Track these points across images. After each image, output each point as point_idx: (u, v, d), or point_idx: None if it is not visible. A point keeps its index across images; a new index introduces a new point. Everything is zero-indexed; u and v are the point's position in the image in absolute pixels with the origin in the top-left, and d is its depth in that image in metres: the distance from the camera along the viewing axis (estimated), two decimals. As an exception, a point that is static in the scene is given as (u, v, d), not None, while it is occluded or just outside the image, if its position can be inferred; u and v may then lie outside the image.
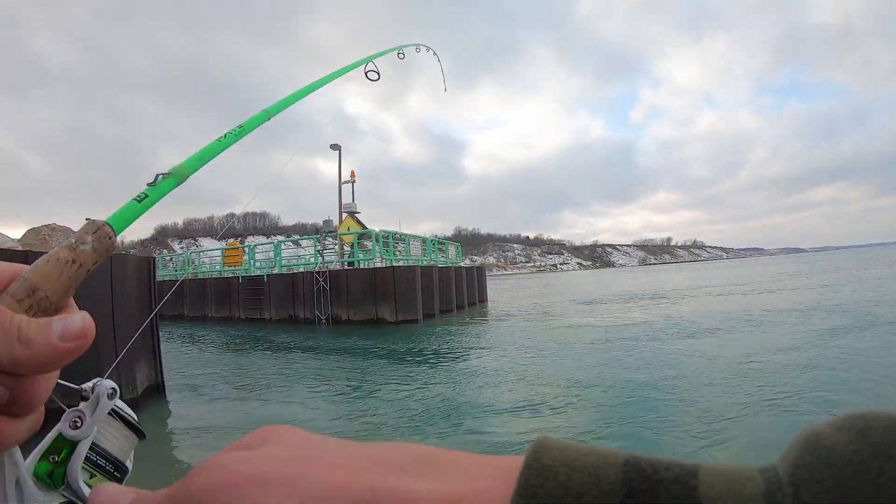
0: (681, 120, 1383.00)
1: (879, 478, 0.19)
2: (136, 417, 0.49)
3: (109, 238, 0.42)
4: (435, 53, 2.20)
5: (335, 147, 28.74)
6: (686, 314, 16.48)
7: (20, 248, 8.22)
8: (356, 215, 24.98)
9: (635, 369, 8.50)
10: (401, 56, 1.84)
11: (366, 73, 1.57)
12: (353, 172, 27.59)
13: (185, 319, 23.57)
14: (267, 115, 0.86)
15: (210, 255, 28.99)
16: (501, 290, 44.85)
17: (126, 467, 0.46)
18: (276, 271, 22.07)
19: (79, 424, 0.40)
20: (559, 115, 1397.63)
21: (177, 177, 0.61)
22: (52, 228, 10.13)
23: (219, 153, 0.70)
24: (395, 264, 19.03)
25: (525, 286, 57.08)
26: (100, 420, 0.42)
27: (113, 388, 0.42)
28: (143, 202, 0.56)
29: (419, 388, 8.00)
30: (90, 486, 0.41)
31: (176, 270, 30.15)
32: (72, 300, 0.38)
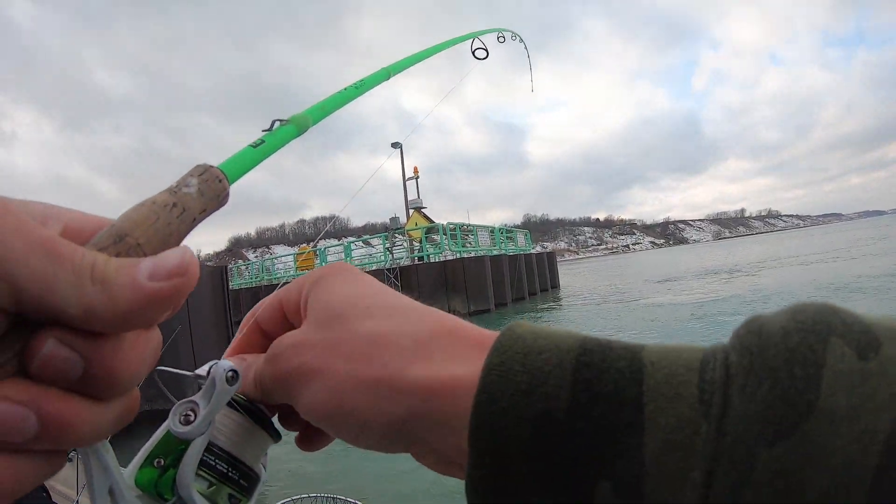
0: (745, 82, 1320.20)
1: (799, 346, 0.22)
2: (266, 412, 0.37)
3: (219, 181, 0.31)
4: (522, 40, 1.99)
5: (396, 145, 28.95)
6: (773, 285, 15.67)
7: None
8: (423, 210, 25.07)
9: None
10: (501, 39, 1.67)
11: (473, 52, 1.40)
12: (416, 168, 27.75)
13: (265, 325, 24.22)
14: (387, 74, 0.76)
15: (283, 262, 29.93)
16: (574, 275, 44.15)
17: (256, 474, 0.36)
18: (348, 272, 22.41)
19: (191, 419, 0.30)
20: (620, 89, 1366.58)
21: (297, 125, 0.47)
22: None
23: (341, 105, 0.63)
24: (464, 256, 18.95)
25: (598, 269, 56.00)
26: (217, 413, 0.32)
27: (233, 371, 0.31)
28: (258, 148, 0.43)
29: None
30: (209, 499, 0.32)
31: (252, 278, 31.22)
32: None
